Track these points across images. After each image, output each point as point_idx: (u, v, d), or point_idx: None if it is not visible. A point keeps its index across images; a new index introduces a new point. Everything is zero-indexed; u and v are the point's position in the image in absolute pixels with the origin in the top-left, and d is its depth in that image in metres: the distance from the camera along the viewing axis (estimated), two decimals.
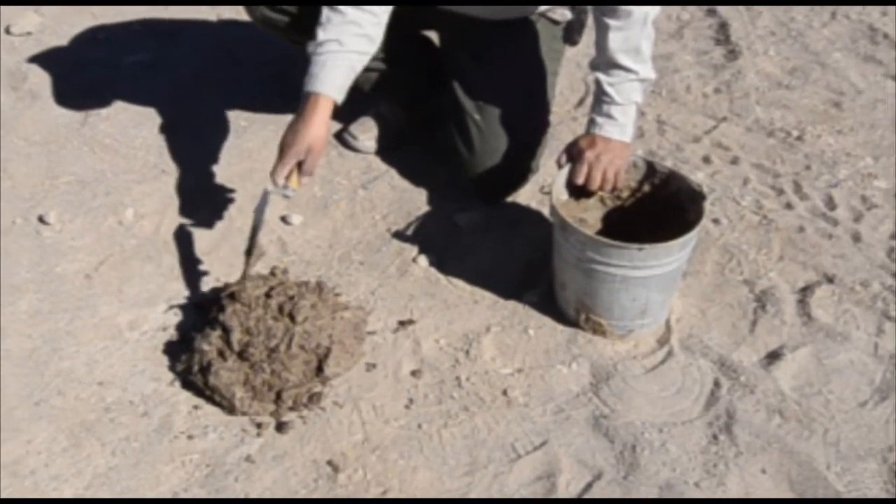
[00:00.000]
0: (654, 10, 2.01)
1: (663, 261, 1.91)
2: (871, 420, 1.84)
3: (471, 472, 1.76)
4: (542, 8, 2.33)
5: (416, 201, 2.43)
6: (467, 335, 2.05)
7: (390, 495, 1.72)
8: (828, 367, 1.96)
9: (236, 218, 2.32)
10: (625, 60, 2.02)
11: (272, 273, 2.05)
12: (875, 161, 2.54)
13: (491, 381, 1.94)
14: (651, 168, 2.11)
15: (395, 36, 2.16)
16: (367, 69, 2.10)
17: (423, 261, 2.23)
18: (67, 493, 1.71)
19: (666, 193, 2.08)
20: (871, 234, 2.29)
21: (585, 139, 2.07)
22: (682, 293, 2.12)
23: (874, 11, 3.21)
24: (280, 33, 2.35)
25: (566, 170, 2.08)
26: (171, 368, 1.96)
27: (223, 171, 2.48)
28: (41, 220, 2.31)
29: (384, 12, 2.07)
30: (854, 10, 3.22)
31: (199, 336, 1.93)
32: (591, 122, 2.08)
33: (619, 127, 2.05)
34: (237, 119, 2.69)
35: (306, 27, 2.08)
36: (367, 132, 2.58)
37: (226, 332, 1.90)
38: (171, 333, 2.04)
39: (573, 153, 2.08)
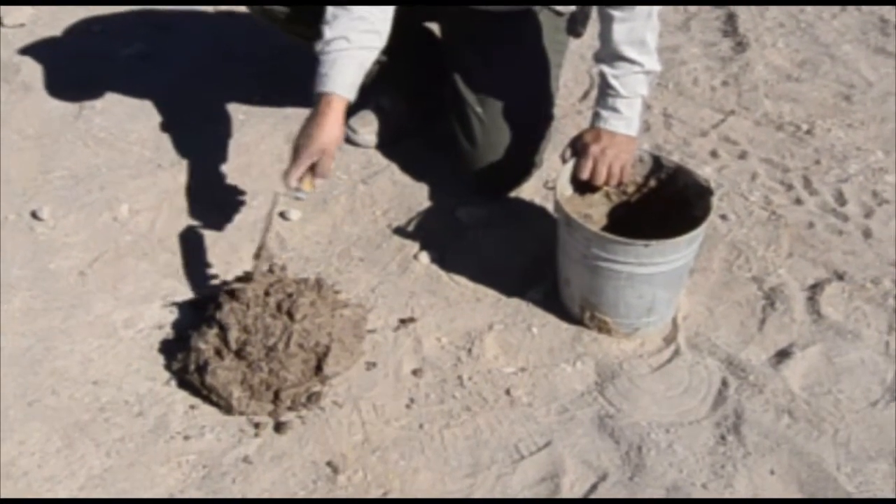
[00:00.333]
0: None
1: (670, 257, 1.91)
2: (882, 420, 1.84)
3: (473, 474, 1.75)
4: None
5: (418, 196, 2.42)
6: (469, 333, 2.04)
7: (391, 497, 1.71)
8: (838, 366, 1.95)
9: (233, 213, 2.32)
10: (630, 52, 2.02)
11: (270, 270, 2.04)
12: (886, 155, 2.53)
13: (494, 381, 1.94)
14: (657, 163, 2.11)
15: (396, 28, 2.15)
16: None
17: (424, 257, 2.23)
18: (61, 495, 1.70)
19: (672, 189, 2.08)
20: (882, 230, 2.28)
21: (590, 133, 2.07)
22: (689, 290, 2.11)
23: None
24: (279, 25, 2.34)
25: (571, 164, 2.07)
26: (167, 367, 1.95)
27: (220, 166, 2.48)
28: (34, 215, 2.31)
29: (391, 6, 2.06)
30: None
31: (196, 334, 1.93)
32: (596, 116, 2.08)
33: (625, 120, 2.05)
34: (235, 113, 2.68)
35: (306, 19, 2.08)
36: (367, 126, 2.57)
37: (223, 330, 1.90)
38: (167, 332, 2.04)
39: (578, 147, 2.08)
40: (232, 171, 2.47)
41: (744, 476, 1.74)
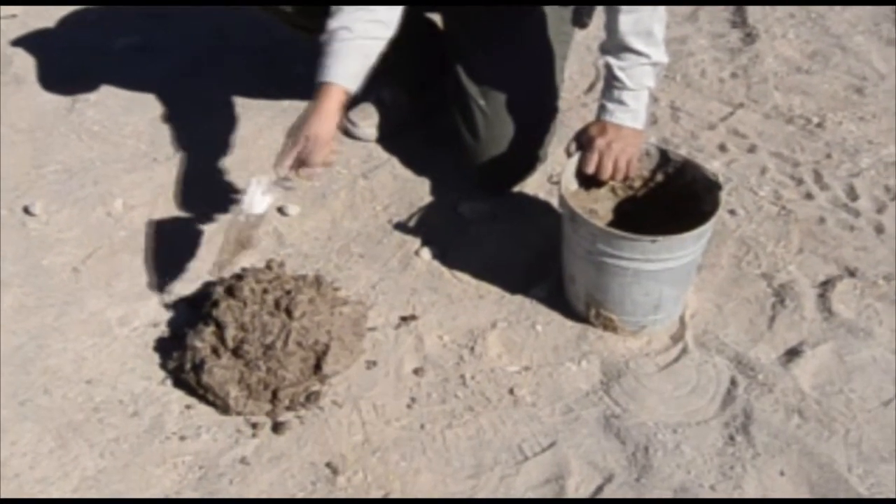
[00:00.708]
0: None
1: (677, 254, 1.91)
2: (894, 420, 1.83)
3: (476, 475, 1.75)
4: None
5: (419, 191, 2.42)
6: (472, 331, 2.04)
7: (392, 498, 1.71)
8: (849, 365, 1.95)
9: (230, 208, 2.31)
10: (636, 44, 2.01)
11: (268, 267, 2.04)
12: None
13: (497, 380, 1.94)
14: (664, 156, 2.10)
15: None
16: None
17: (425, 253, 2.23)
18: (54, 497, 1.70)
19: (680, 183, 2.07)
20: (894, 225, 2.27)
21: (596, 126, 2.06)
22: (696, 287, 2.11)
23: None
24: (279, 17, 2.34)
25: (576, 158, 2.07)
26: (163, 366, 1.95)
27: (216, 160, 2.47)
28: (26, 210, 2.31)
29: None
30: None
31: (192, 332, 1.93)
32: (602, 109, 2.07)
33: (631, 113, 2.04)
34: (232, 106, 2.68)
35: (306, 10, 2.07)
36: (367, 119, 2.57)
37: (220, 328, 1.90)
38: (163, 329, 2.04)
39: (583, 141, 2.07)
40: (229, 165, 2.46)
41: (753, 477, 1.73)
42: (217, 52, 2.93)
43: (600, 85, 2.17)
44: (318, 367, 1.89)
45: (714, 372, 1.94)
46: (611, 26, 2.04)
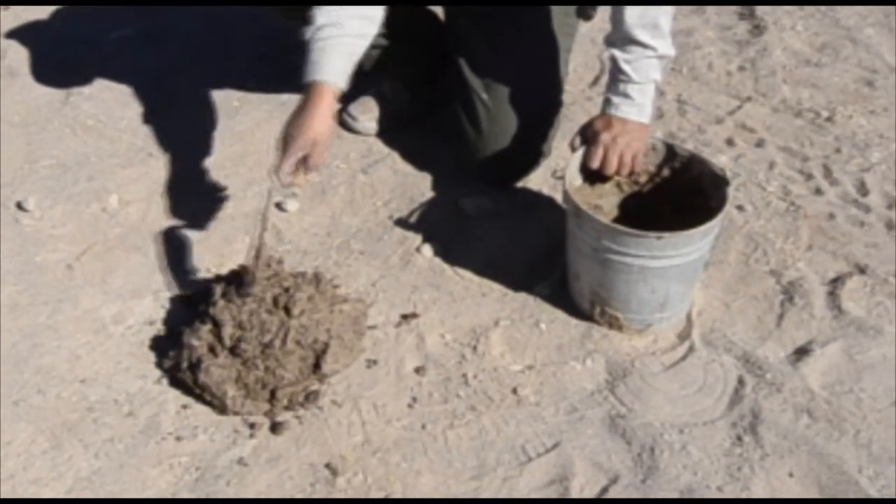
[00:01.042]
0: None
1: (684, 250, 1.90)
2: None
3: (478, 476, 1.75)
4: None
5: (420, 186, 2.42)
6: (474, 329, 2.04)
7: (392, 499, 1.71)
8: (859, 364, 1.94)
9: (227, 204, 2.32)
10: (642, 36, 2.01)
11: (266, 264, 2.04)
12: None
13: (500, 379, 1.94)
14: (671, 151, 2.10)
15: (399, 10, 2.15)
16: (368, 46, 2.09)
17: (427, 250, 2.22)
18: (48, 498, 1.70)
19: (687, 178, 2.07)
20: None
21: (601, 120, 2.06)
22: (703, 285, 2.11)
23: None
24: (276, 10, 2.34)
25: (580, 153, 2.07)
26: (159, 365, 1.95)
27: (213, 155, 2.48)
28: (20, 206, 2.31)
29: None
30: None
31: (188, 330, 1.93)
32: (607, 102, 2.07)
33: (637, 107, 2.04)
34: (228, 99, 2.68)
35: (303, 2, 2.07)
36: (367, 113, 2.57)
37: (216, 326, 1.90)
38: (159, 328, 2.04)
39: (588, 135, 2.07)
40: (226, 159, 2.46)
41: (761, 478, 1.73)
42: (213, 45, 2.92)
43: (605, 78, 2.16)
44: (317, 366, 1.89)
45: (721, 371, 1.94)
46: (616, 18, 2.03)
